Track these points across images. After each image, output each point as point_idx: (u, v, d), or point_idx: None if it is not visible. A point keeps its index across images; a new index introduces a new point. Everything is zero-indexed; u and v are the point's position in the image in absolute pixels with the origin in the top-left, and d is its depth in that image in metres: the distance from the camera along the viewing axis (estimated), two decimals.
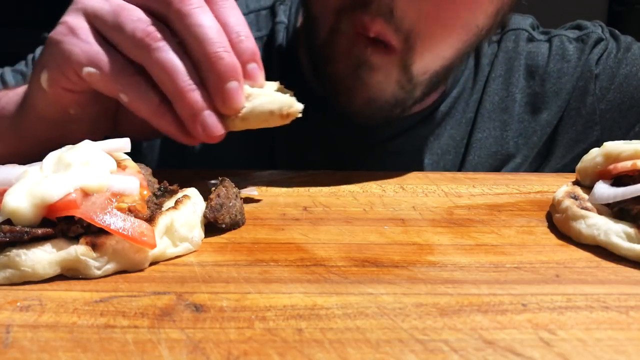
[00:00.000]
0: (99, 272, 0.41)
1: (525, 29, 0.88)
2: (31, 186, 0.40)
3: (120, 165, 0.46)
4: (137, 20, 0.51)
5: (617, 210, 0.47)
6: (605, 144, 0.53)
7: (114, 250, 0.41)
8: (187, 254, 0.45)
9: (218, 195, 0.49)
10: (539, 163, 0.86)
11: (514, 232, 0.50)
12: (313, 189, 0.61)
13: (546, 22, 0.93)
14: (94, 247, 0.40)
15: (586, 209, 0.48)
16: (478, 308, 0.37)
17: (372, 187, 0.62)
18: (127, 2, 0.52)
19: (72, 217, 0.40)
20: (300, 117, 0.55)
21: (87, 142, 0.47)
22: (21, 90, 0.61)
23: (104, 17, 0.51)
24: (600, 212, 0.48)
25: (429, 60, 0.66)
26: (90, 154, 0.44)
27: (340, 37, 0.65)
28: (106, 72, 0.51)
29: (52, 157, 0.45)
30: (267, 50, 0.84)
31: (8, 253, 0.39)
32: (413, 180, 0.64)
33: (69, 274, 0.41)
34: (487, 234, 0.49)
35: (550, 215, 0.53)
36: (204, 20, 0.51)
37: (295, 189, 0.60)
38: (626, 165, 0.49)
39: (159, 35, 0.50)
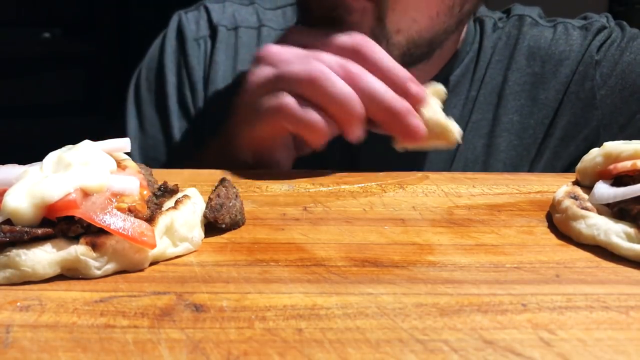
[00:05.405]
0: (99, 272, 0.41)
1: (531, 15, 0.91)
2: (31, 186, 0.40)
3: (120, 165, 0.46)
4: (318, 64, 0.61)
5: (617, 210, 0.47)
6: (605, 144, 0.53)
7: (114, 250, 0.41)
8: (187, 254, 0.45)
9: (218, 195, 0.49)
10: (538, 145, 0.87)
11: (514, 232, 0.50)
12: (313, 189, 0.61)
13: None
14: (94, 247, 0.40)
15: (586, 209, 0.48)
16: (478, 308, 0.37)
17: (372, 187, 0.62)
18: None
19: (72, 217, 0.40)
20: None
21: (87, 142, 0.47)
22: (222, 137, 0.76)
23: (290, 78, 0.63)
24: (600, 212, 0.48)
25: (400, 17, 0.70)
26: (90, 154, 0.44)
27: None
28: (285, 114, 0.63)
29: (52, 157, 0.45)
30: None
31: (8, 253, 0.39)
32: (413, 180, 0.64)
33: (69, 274, 0.41)
34: (487, 234, 0.49)
35: (550, 215, 0.53)
36: (375, 82, 0.62)
37: (295, 189, 0.60)
38: (626, 165, 0.49)
39: (330, 74, 0.61)
